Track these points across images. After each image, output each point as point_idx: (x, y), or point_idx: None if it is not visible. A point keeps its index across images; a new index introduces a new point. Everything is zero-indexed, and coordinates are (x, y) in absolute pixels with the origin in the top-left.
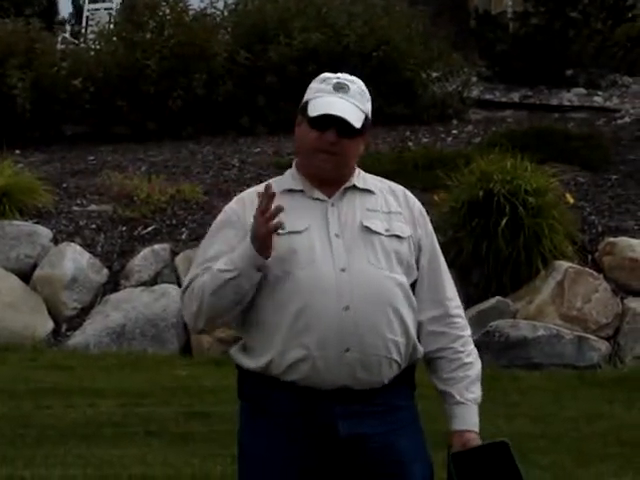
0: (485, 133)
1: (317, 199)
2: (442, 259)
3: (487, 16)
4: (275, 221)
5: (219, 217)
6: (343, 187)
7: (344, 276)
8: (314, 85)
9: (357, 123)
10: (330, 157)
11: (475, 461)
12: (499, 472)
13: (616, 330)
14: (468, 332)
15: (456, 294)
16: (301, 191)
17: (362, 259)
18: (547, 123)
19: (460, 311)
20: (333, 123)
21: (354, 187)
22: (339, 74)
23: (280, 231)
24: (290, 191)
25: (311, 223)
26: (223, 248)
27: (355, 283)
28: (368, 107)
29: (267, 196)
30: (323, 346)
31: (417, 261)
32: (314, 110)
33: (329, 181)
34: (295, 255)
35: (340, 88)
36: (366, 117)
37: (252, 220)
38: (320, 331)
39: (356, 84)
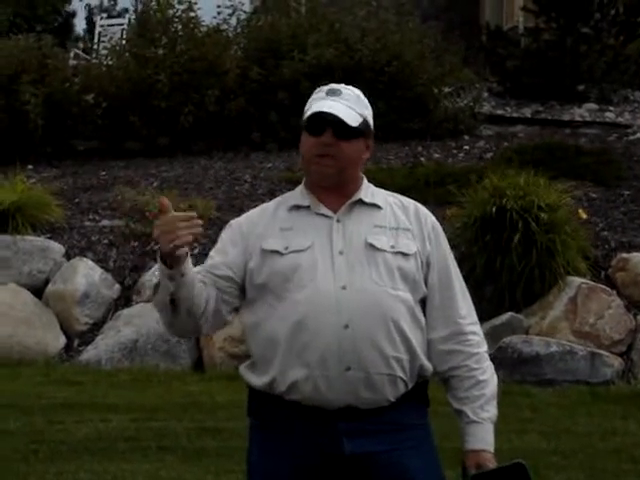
0: (497, 149)
1: (322, 215)
2: (456, 275)
3: (498, 32)
4: (175, 240)
5: (224, 231)
6: (349, 202)
7: (345, 294)
8: (310, 98)
9: (351, 122)
10: (329, 160)
11: None
12: None
13: (629, 346)
14: (484, 348)
15: (472, 311)
16: (307, 207)
17: (364, 276)
18: (559, 138)
19: (475, 327)
20: (328, 125)
21: (361, 202)
22: (334, 84)
23: (283, 251)
24: (297, 207)
25: (315, 240)
26: (209, 262)
27: (355, 301)
28: (366, 112)
29: (161, 212)
30: (324, 365)
31: (426, 278)
32: (307, 114)
33: (333, 190)
34: (297, 274)
35: (332, 92)
36: (365, 121)
37: (255, 237)
38: (320, 350)
39: (350, 90)
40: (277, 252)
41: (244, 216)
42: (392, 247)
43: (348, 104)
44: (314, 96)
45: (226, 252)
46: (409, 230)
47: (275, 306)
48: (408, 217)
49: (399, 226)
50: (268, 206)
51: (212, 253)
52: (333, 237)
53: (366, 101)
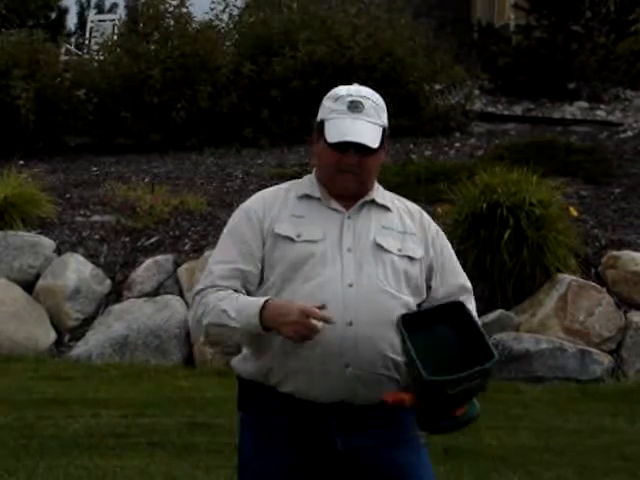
0: (488, 146)
1: (334, 209)
2: (461, 278)
3: (490, 29)
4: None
5: (238, 215)
6: (362, 200)
7: (351, 291)
8: (327, 103)
9: (375, 143)
10: (353, 177)
11: (428, 323)
12: (457, 332)
13: (619, 344)
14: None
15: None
16: (318, 199)
17: (371, 276)
18: (550, 136)
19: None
20: (352, 145)
21: (372, 202)
22: (351, 88)
23: (296, 238)
24: (307, 197)
25: (326, 234)
26: (235, 254)
27: (361, 299)
28: (384, 119)
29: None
30: (323, 360)
31: (429, 282)
32: (331, 136)
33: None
34: (305, 265)
35: (355, 108)
36: (383, 129)
37: (270, 220)
38: (321, 344)
39: (370, 99)
40: (289, 238)
41: (255, 199)
42: (399, 250)
43: (370, 120)
44: (333, 105)
45: (246, 244)
46: (415, 235)
47: (279, 294)
48: (414, 222)
49: (406, 230)
50: (279, 189)
51: (232, 251)
52: (343, 233)
53: (383, 103)
